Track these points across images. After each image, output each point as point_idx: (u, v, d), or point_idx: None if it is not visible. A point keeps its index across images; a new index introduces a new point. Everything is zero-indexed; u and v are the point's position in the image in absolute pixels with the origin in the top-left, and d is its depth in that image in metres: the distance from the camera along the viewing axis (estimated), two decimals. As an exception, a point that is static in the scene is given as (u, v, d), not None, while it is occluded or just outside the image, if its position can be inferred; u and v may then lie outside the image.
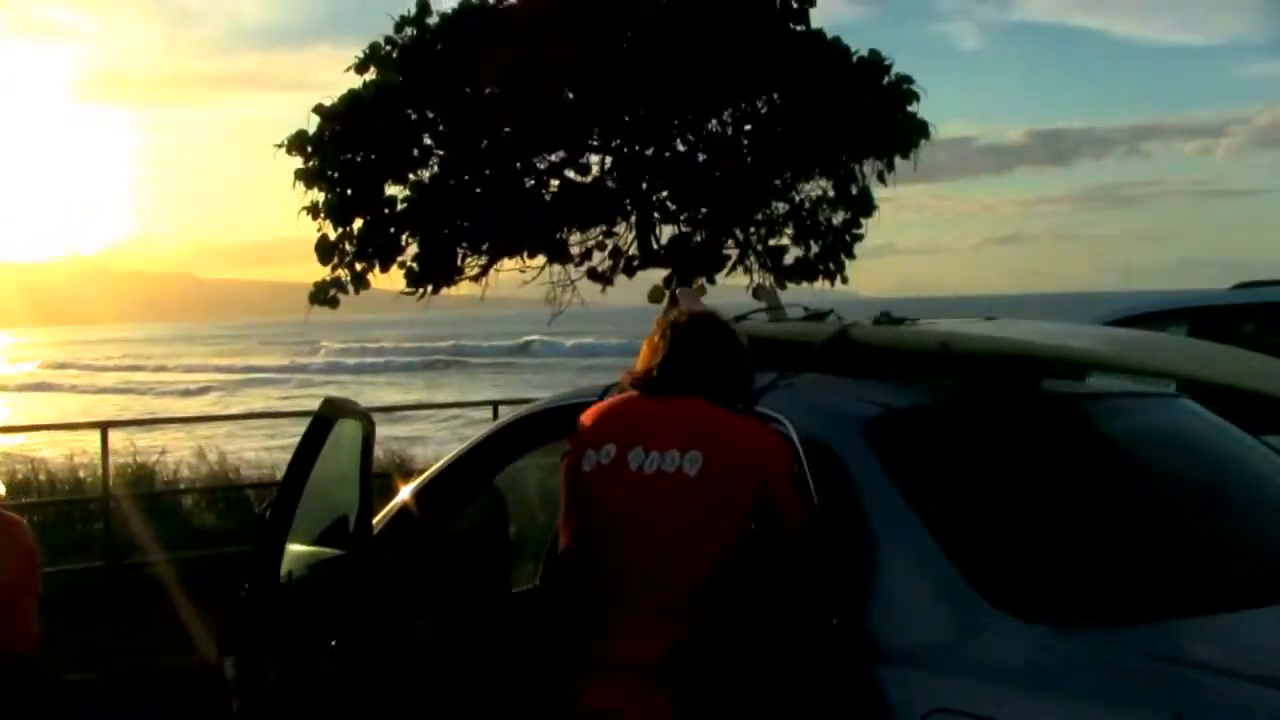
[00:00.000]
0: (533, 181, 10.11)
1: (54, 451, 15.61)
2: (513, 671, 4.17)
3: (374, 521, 5.16)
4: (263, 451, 15.74)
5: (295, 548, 4.49)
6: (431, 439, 24.69)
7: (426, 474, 5.37)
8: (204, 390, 66.05)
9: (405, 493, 5.43)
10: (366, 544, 4.89)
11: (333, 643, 4.14)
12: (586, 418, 3.85)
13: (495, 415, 13.57)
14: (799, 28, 9.82)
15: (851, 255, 11.01)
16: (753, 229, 11.08)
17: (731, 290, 11.89)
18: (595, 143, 10.39)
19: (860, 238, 11.00)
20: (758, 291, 11.17)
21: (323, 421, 4.38)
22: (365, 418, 4.65)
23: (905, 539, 3.39)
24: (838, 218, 10.99)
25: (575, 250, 10.52)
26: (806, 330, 4.47)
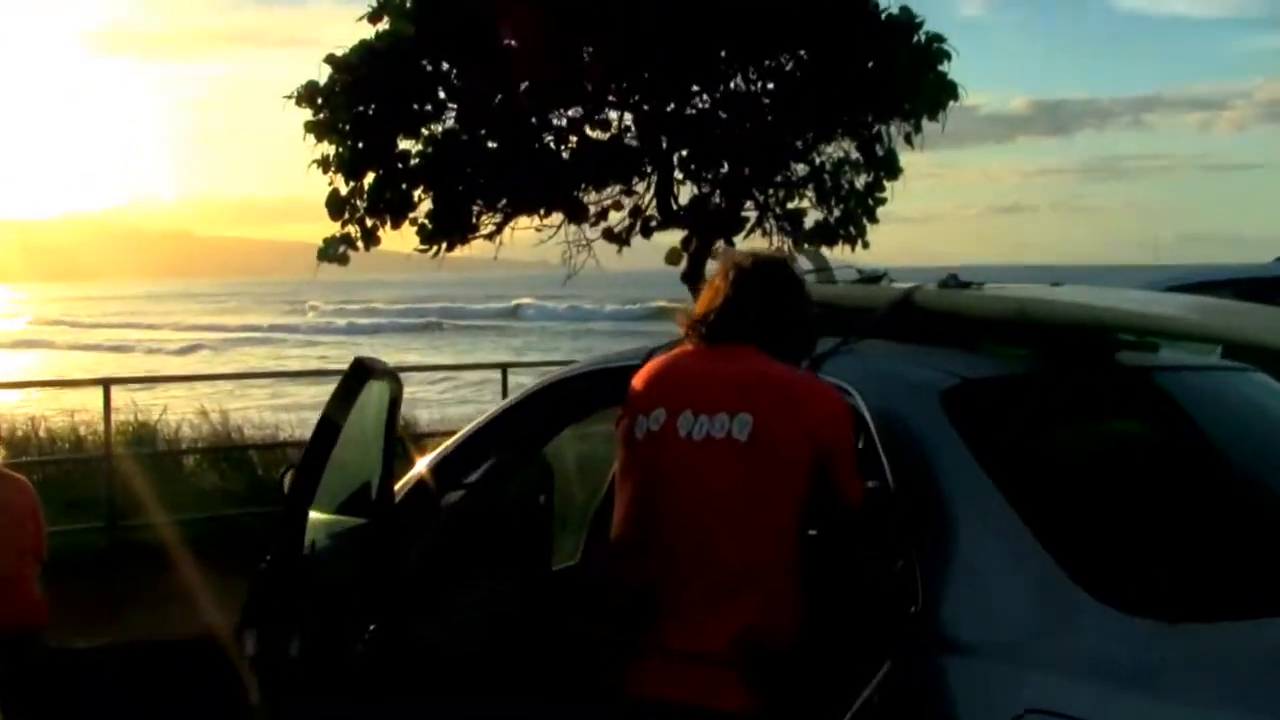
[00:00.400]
0: (551, 137, 9.78)
1: (52, 408, 15.36)
2: (556, 653, 3.94)
3: (396, 488, 4.95)
4: (266, 411, 15.40)
5: (318, 516, 4.23)
6: (433, 401, 24.45)
7: (451, 441, 5.12)
8: (194, 348, 65.75)
9: (427, 460, 5.18)
10: (389, 513, 4.65)
11: (369, 627, 3.84)
12: (639, 378, 3.60)
13: (504, 377, 13.36)
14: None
15: (874, 219, 10.73)
16: (771, 191, 10.76)
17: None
18: (613, 99, 10.06)
19: (883, 201, 10.73)
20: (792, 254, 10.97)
21: (353, 382, 4.11)
22: (394, 378, 4.40)
23: (992, 521, 3.12)
24: (860, 181, 10.68)
25: (593, 209, 10.21)
26: (866, 294, 4.20)
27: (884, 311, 3.92)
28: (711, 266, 4.26)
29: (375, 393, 4.28)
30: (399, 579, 4.31)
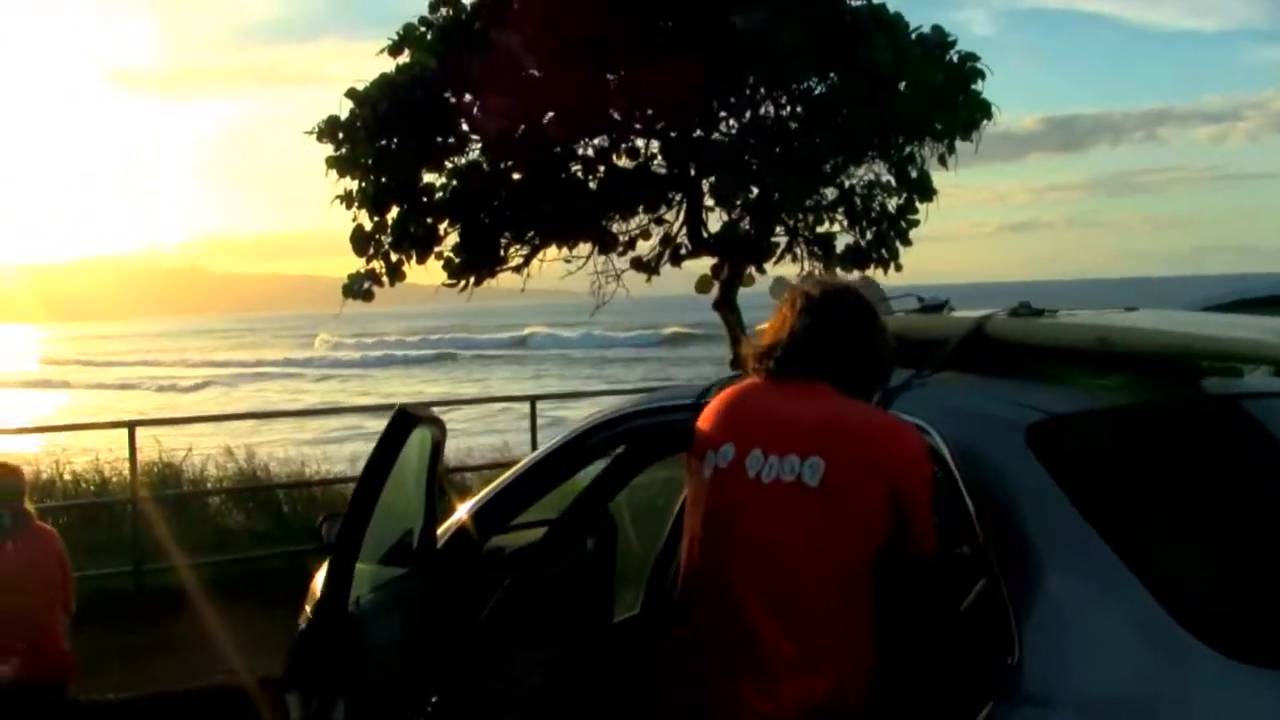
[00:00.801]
0: (579, 167, 9.62)
1: (75, 449, 15.23)
2: (619, 714, 3.73)
3: (440, 532, 4.76)
4: (290, 447, 15.26)
5: (363, 568, 4.04)
6: (458, 431, 24.27)
7: (497, 484, 4.94)
8: (205, 384, 65.86)
9: (471, 505, 4.99)
10: (433, 564, 4.46)
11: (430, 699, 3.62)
12: (707, 412, 3.42)
13: (533, 409, 13.18)
14: (859, 3, 9.29)
15: (908, 242, 10.53)
16: (800, 216, 10.58)
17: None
18: (639, 126, 9.89)
19: (916, 223, 10.53)
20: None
21: (397, 430, 3.93)
22: (438, 423, 4.22)
23: (1091, 565, 2.90)
24: (892, 203, 10.50)
25: (623, 238, 10.05)
26: (932, 324, 4.00)
27: (956, 343, 3.72)
28: (776, 292, 4.04)
29: (418, 439, 4.10)
30: (452, 639, 4.12)
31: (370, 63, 9.69)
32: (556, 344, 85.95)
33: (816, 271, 10.77)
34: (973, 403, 3.45)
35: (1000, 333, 3.73)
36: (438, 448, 4.27)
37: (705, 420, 3.40)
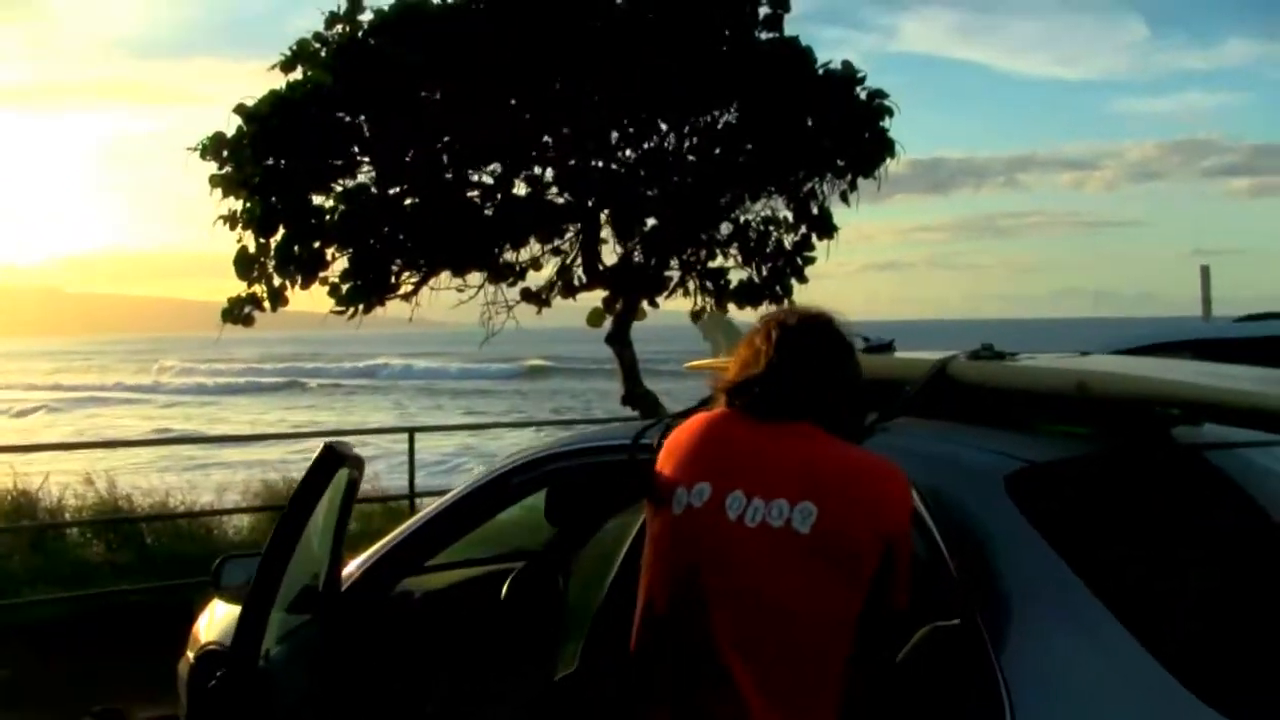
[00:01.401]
0: (475, 194, 9.33)
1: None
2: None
3: (346, 575, 4.46)
4: (154, 477, 14.68)
5: (276, 617, 3.73)
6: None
7: (407, 525, 4.66)
8: (36, 409, 63.99)
9: (379, 547, 4.70)
10: (337, 609, 4.17)
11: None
12: (672, 447, 3.15)
13: (411, 441, 12.79)
14: (768, 35, 9.16)
15: (804, 279, 10.41)
16: (690, 250, 10.42)
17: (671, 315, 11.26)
18: (535, 154, 9.65)
19: (812, 260, 10.41)
20: (698, 316, 10.61)
21: (323, 469, 3.62)
22: (359, 462, 3.93)
23: (1083, 621, 2.72)
24: (789, 240, 10.38)
25: (520, 267, 9.78)
26: (885, 365, 3.80)
27: (919, 386, 3.52)
28: (709, 328, 3.83)
29: (337, 478, 3.81)
30: (357, 690, 3.84)
31: (241, 84, 9.34)
32: (410, 375, 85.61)
33: (708, 307, 10.62)
34: (945, 450, 3.26)
35: (964, 376, 3.55)
36: (353, 487, 3.99)
37: (671, 456, 3.14)
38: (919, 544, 3.01)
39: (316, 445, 3.92)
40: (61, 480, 13.86)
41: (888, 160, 9.53)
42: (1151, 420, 3.37)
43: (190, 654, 5.69)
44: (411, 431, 13.01)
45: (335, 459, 3.66)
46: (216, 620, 5.50)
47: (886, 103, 9.32)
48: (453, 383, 78.76)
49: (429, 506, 4.71)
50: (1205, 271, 10.96)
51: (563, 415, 46.72)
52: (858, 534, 2.87)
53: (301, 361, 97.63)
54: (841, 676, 2.92)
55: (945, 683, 2.90)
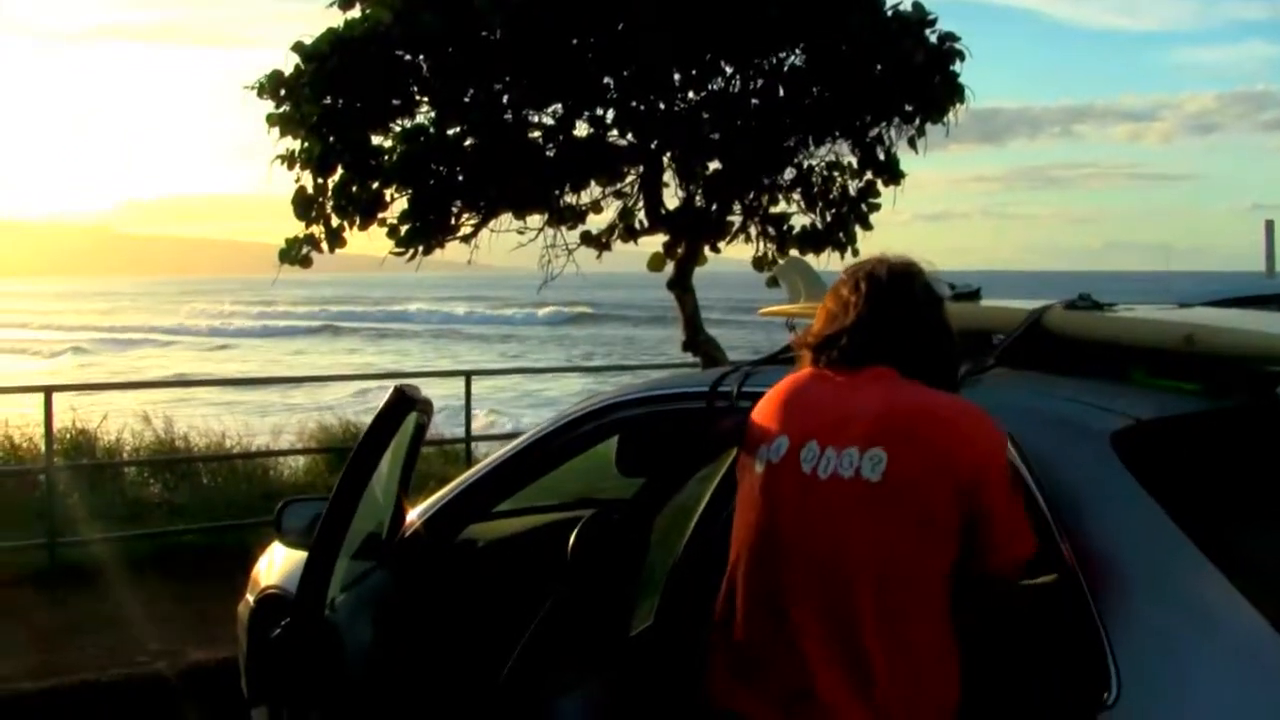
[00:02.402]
0: (536, 134, 9.17)
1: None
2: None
3: (410, 521, 4.36)
4: (211, 418, 14.72)
5: (341, 564, 3.63)
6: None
7: (472, 472, 4.56)
8: (63, 351, 64.48)
9: (443, 494, 4.60)
10: (401, 555, 4.07)
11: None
12: (762, 404, 3.04)
13: (467, 385, 12.75)
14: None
15: (868, 226, 10.21)
16: (752, 195, 10.23)
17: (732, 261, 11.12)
18: (596, 95, 9.46)
19: (878, 207, 10.21)
20: (759, 262, 10.44)
21: (395, 413, 3.52)
22: (428, 406, 3.82)
23: (1197, 588, 2.57)
24: (854, 185, 10.18)
25: (581, 210, 9.64)
26: (974, 314, 3.65)
27: (1014, 336, 3.37)
28: (785, 274, 3.67)
29: (406, 423, 3.70)
30: (423, 641, 3.74)
31: (301, 25, 9.16)
32: (436, 319, 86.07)
33: (770, 253, 10.46)
34: (1046, 405, 3.10)
35: (1061, 327, 3.39)
36: (421, 431, 3.89)
37: (759, 413, 3.05)
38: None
39: (345, 388, 3.82)
40: (114, 419, 13.92)
41: (957, 105, 9.29)
42: (1265, 377, 3.20)
43: (250, 597, 5.63)
44: (468, 375, 12.97)
45: (406, 402, 3.56)
46: (277, 563, 5.44)
47: (958, 46, 9.07)
48: (504, 328, 79.00)
49: (493, 454, 4.62)
50: (1270, 226, 10.66)
51: (606, 362, 46.82)
52: (930, 480, 2.73)
53: (339, 305, 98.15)
54: (929, 644, 2.77)
55: (1040, 640, 2.77)
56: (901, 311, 2.97)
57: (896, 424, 2.80)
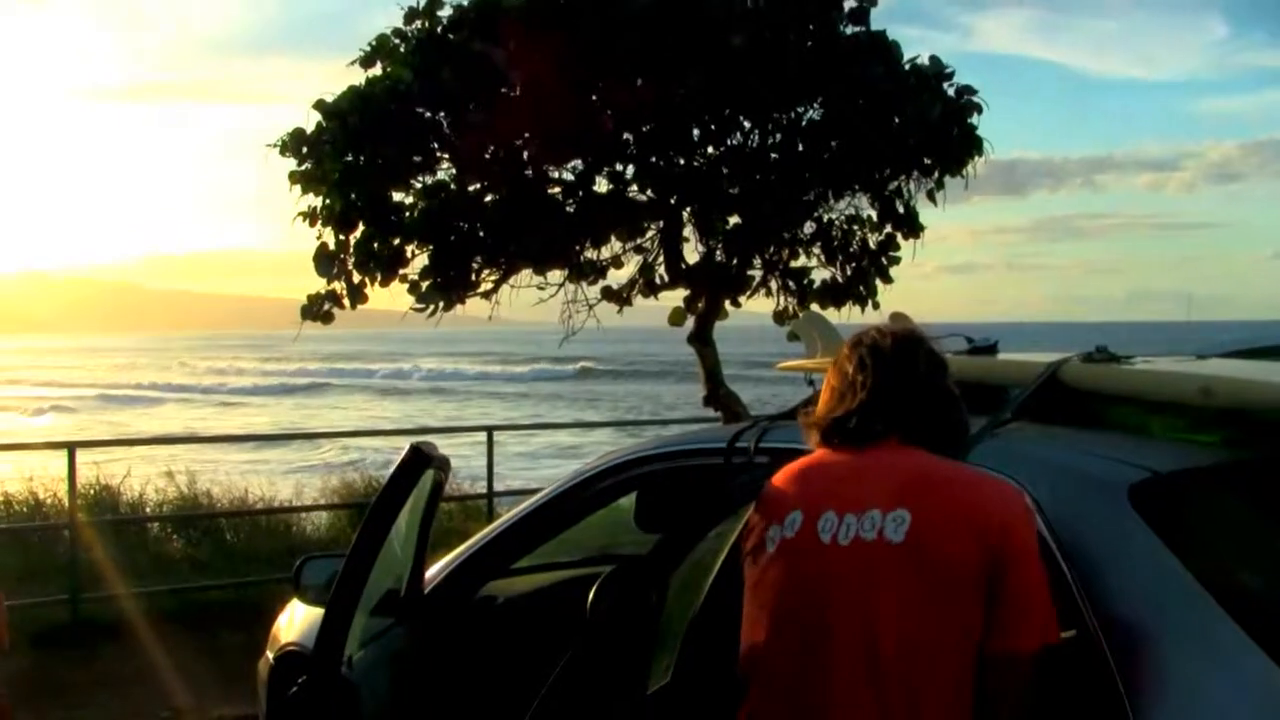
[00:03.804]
0: (557, 190, 9.22)
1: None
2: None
3: (429, 577, 4.36)
4: (235, 475, 14.78)
5: (359, 621, 3.63)
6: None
7: (491, 528, 4.56)
8: (51, 410, 64.63)
9: (462, 550, 4.61)
10: (421, 613, 4.06)
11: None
12: (771, 485, 2.99)
13: (489, 440, 12.75)
14: (854, 29, 8.97)
15: (888, 279, 10.21)
16: (772, 249, 10.25)
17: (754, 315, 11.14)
18: (616, 150, 9.51)
19: (897, 260, 10.21)
20: (780, 316, 10.45)
21: (410, 470, 3.52)
22: (444, 463, 3.83)
23: (1220, 647, 2.55)
24: (874, 238, 10.19)
25: (602, 265, 9.67)
26: (992, 367, 3.65)
27: (1031, 390, 3.36)
28: (801, 329, 3.67)
29: (423, 480, 3.71)
30: (441, 699, 3.73)
31: (320, 83, 9.24)
32: (433, 377, 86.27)
33: (790, 306, 10.46)
34: (1063, 458, 3.09)
35: (1078, 380, 3.38)
36: (439, 488, 3.90)
37: (769, 492, 3.01)
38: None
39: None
40: (137, 474, 13.99)
41: (975, 158, 9.32)
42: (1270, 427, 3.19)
43: (270, 654, 5.64)
44: (490, 430, 12.99)
45: (422, 460, 3.56)
46: (296, 620, 5.44)
47: (975, 99, 9.11)
48: (509, 386, 79.13)
49: (513, 509, 4.62)
50: (1295, 276, 10.60)
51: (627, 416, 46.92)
52: (956, 542, 2.68)
53: (342, 362, 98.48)
54: (952, 710, 2.73)
55: (1058, 697, 2.74)
56: (908, 384, 2.95)
57: (919, 485, 2.76)
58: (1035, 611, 2.70)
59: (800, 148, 9.44)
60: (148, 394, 76.49)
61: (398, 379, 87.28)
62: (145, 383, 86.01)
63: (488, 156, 9.15)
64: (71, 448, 10.60)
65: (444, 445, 4.19)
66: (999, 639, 2.71)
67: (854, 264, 10.30)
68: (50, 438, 39.70)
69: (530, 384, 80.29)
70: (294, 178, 9.27)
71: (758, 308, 10.69)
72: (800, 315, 9.86)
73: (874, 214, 10.06)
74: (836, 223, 10.22)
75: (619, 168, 9.36)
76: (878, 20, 9.11)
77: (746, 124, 9.54)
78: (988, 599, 2.68)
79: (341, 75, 9.19)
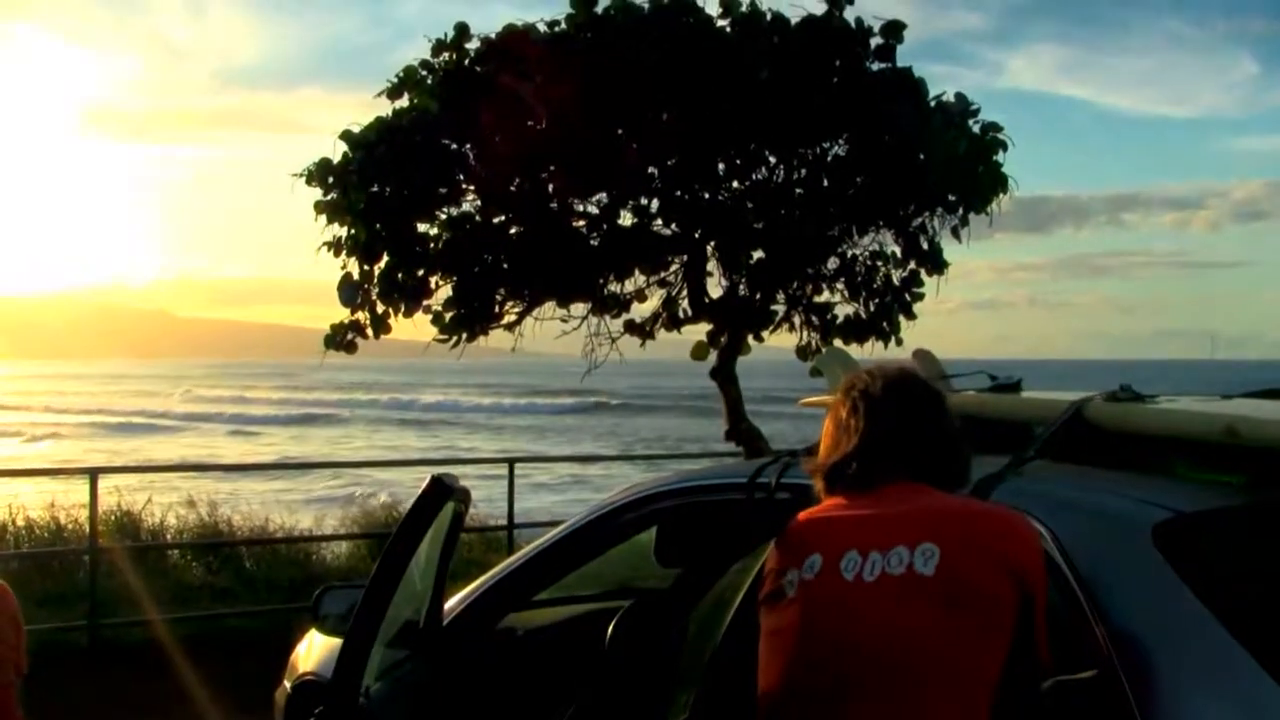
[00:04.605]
0: (581, 223, 9.24)
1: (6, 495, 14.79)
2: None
3: (448, 609, 4.35)
4: (257, 505, 14.84)
5: (377, 652, 3.62)
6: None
7: (513, 559, 4.55)
8: (50, 438, 64.90)
9: (482, 582, 4.60)
10: (439, 646, 4.05)
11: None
12: (788, 532, 2.96)
13: (510, 472, 12.74)
14: (880, 65, 8.99)
15: (912, 315, 10.19)
16: (796, 284, 10.24)
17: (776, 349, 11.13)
18: (641, 184, 9.53)
19: (921, 296, 10.18)
20: (803, 352, 10.42)
21: (431, 502, 3.52)
22: (465, 495, 3.83)
23: (1245, 691, 2.54)
24: (897, 274, 10.17)
25: (625, 298, 9.68)
26: (1015, 405, 3.64)
27: (1055, 428, 3.34)
28: (825, 364, 3.66)
29: (444, 512, 3.70)
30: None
31: (349, 114, 9.30)
32: (440, 409, 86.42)
33: (813, 341, 10.43)
34: (1086, 498, 3.08)
35: (1102, 418, 3.36)
36: (459, 520, 3.89)
37: (785, 540, 2.97)
38: (1054, 595, 2.82)
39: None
40: (160, 502, 14.03)
41: (1000, 195, 9.31)
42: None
43: (288, 683, 5.64)
44: (511, 462, 13.00)
45: (443, 491, 3.55)
46: (315, 649, 5.44)
47: (1000, 136, 9.10)
48: (522, 418, 79.20)
49: (533, 542, 4.61)
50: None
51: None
52: (987, 573, 2.65)
53: (358, 392, 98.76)
54: None
55: None
56: (902, 426, 2.94)
57: (942, 519, 2.74)
58: (1044, 631, 2.74)
59: (825, 183, 9.44)
60: (156, 422, 76.63)
61: (398, 410, 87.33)
62: (159, 410, 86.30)
63: (513, 189, 9.18)
64: (93, 473, 10.65)
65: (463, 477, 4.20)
66: (1035, 658, 2.72)
67: (877, 300, 10.26)
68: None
69: (537, 417, 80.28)
70: (319, 207, 9.31)
71: (781, 343, 10.69)
72: (823, 351, 9.86)
73: (898, 250, 10.03)
74: (860, 258, 10.19)
75: (643, 201, 9.38)
76: (904, 57, 9.13)
77: (771, 159, 9.53)
78: (1018, 624, 2.68)
79: (371, 107, 9.24)
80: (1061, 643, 2.77)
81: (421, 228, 9.35)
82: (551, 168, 9.14)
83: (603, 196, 9.46)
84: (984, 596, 2.65)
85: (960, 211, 9.46)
